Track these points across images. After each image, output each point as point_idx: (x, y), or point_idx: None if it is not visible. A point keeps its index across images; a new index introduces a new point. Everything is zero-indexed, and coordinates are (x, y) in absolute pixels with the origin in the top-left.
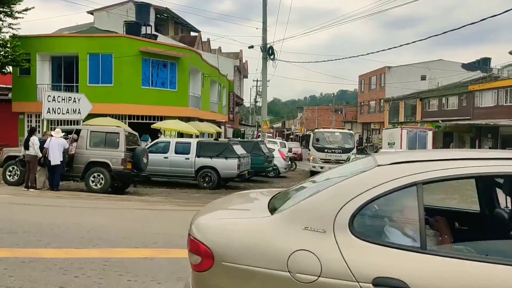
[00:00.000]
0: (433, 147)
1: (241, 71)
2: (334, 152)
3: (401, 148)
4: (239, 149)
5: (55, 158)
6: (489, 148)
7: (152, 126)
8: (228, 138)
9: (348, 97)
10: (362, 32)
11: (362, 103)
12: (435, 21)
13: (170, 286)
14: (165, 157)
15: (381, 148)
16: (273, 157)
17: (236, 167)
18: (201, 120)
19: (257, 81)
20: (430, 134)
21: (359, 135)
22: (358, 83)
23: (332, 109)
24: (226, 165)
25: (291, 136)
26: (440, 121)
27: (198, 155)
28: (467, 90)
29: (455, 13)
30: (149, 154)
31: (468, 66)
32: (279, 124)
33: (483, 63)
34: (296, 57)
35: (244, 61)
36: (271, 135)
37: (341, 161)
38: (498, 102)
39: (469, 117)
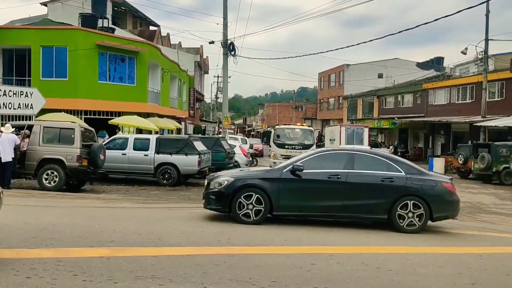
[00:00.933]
0: (368, 143)
1: (202, 66)
2: (295, 149)
3: (340, 144)
4: (199, 146)
5: (6, 154)
6: (442, 144)
7: (110, 122)
8: (188, 134)
9: (308, 94)
10: (322, 30)
11: (321, 100)
12: (391, 21)
13: (127, 285)
14: (123, 154)
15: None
16: (234, 153)
17: (197, 164)
18: (160, 116)
19: (218, 77)
20: (366, 131)
21: (319, 132)
22: (318, 80)
23: (292, 106)
24: (186, 162)
25: (252, 133)
26: (396, 118)
27: (157, 152)
28: (421, 88)
29: (410, 13)
30: (107, 151)
31: (423, 65)
32: (240, 121)
33: (437, 62)
34: (257, 53)
35: (205, 56)
36: (232, 131)
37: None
38: (450, 100)
39: (423, 114)
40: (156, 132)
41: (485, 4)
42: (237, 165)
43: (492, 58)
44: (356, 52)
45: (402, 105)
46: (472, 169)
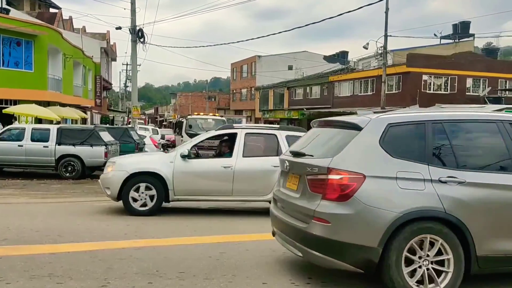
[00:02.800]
0: None
1: (109, 53)
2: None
3: None
4: (106, 136)
5: None
6: None
7: (4, 111)
8: (94, 124)
9: (222, 84)
10: (235, 21)
11: (234, 91)
12: (300, 15)
13: (21, 286)
14: (19, 145)
15: None
16: (144, 144)
17: (103, 155)
18: (63, 105)
19: (127, 64)
20: (244, 121)
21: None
22: (231, 71)
23: (205, 96)
24: (92, 153)
25: (164, 123)
26: (304, 109)
27: (58, 143)
28: (328, 81)
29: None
30: (0, 142)
31: (329, 58)
32: (151, 111)
33: (342, 56)
34: (169, 42)
35: (112, 43)
36: (142, 121)
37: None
38: (354, 92)
39: (329, 106)
40: (58, 122)
41: (385, 1)
42: None
43: (391, 53)
44: (268, 44)
45: (311, 96)
46: None
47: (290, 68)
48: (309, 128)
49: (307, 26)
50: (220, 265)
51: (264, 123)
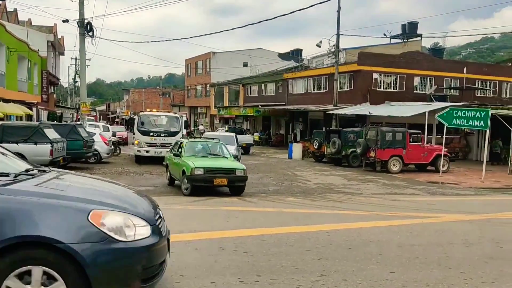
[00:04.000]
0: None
1: (56, 47)
2: (160, 136)
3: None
4: (51, 133)
5: None
6: (300, 130)
7: None
8: (40, 121)
9: (177, 80)
10: (190, 16)
11: (189, 87)
12: (257, 12)
13: None
14: None
15: (205, 131)
16: (94, 141)
17: (48, 153)
18: (6, 101)
19: (76, 59)
20: (184, 118)
21: (186, 119)
22: (185, 67)
23: (159, 92)
24: (36, 151)
25: (116, 120)
26: (259, 106)
27: (0, 141)
28: (282, 78)
29: (274, 5)
30: None
31: (284, 56)
32: (103, 107)
33: (296, 54)
34: (122, 36)
35: (59, 36)
36: (93, 118)
37: (167, 145)
38: (307, 90)
39: (284, 103)
40: (1, 119)
41: (337, 1)
42: (97, 154)
43: (343, 51)
44: (224, 41)
45: (266, 93)
46: (325, 153)
47: (245, 65)
48: (264, 124)
49: (262, 23)
50: (169, 265)
51: (219, 120)
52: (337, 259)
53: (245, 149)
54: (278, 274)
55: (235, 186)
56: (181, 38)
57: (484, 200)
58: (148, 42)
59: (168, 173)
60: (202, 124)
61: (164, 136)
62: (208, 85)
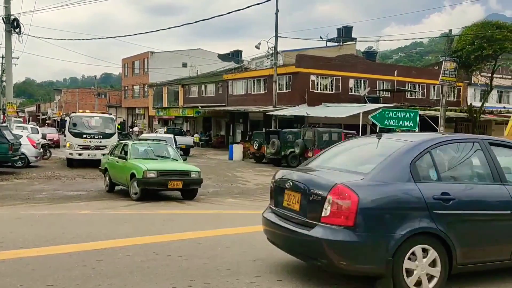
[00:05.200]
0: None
1: None
2: (94, 138)
3: None
4: None
5: None
6: (242, 131)
7: None
8: None
9: (113, 80)
10: (127, 15)
11: (126, 87)
12: (197, 11)
13: None
14: None
15: (143, 132)
16: (20, 144)
17: None
18: None
19: (2, 57)
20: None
21: (123, 120)
22: (122, 66)
23: (95, 93)
24: None
25: (48, 121)
26: (199, 107)
27: None
28: (222, 79)
29: (214, 5)
30: None
31: (223, 57)
32: (33, 108)
33: (236, 55)
34: (54, 34)
35: None
36: (21, 119)
37: (101, 147)
38: (247, 91)
39: (224, 104)
40: None
41: (275, 3)
42: (24, 158)
43: (282, 53)
44: (163, 40)
45: (206, 94)
46: (265, 153)
47: (184, 65)
48: (204, 126)
49: (202, 24)
50: (96, 273)
51: (158, 121)
52: (273, 260)
53: (185, 151)
54: (213, 277)
55: (190, 189)
56: (115, 37)
57: None
58: (80, 40)
59: (107, 178)
60: (137, 126)
61: (98, 138)
62: (146, 86)
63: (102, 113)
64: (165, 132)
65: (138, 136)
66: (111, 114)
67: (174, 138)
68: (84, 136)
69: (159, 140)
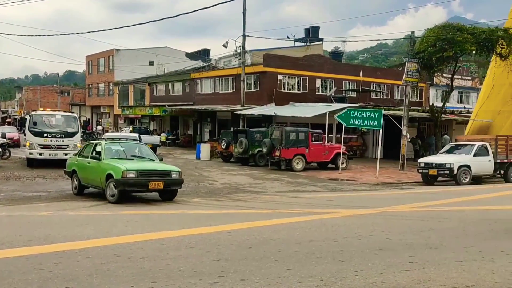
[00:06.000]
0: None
1: None
2: (56, 137)
3: None
4: None
5: None
6: (210, 130)
7: None
8: None
9: (77, 78)
10: (92, 11)
11: (90, 85)
12: (163, 9)
13: None
14: None
15: (108, 131)
16: None
17: None
18: None
19: None
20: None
21: (86, 119)
22: (86, 64)
23: (57, 90)
24: None
25: (8, 120)
26: (166, 106)
27: None
28: (190, 78)
29: (181, 3)
30: None
31: (191, 55)
32: None
33: (204, 54)
34: (13, 29)
35: None
36: None
37: (63, 147)
38: (215, 90)
39: (192, 103)
40: None
41: (242, 2)
42: None
43: (250, 53)
44: (129, 38)
45: (173, 93)
46: (233, 153)
47: (151, 63)
48: (171, 125)
49: (169, 22)
50: (53, 277)
51: (124, 120)
52: (237, 259)
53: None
54: (175, 278)
55: (170, 190)
56: (78, 33)
57: (377, 194)
58: (41, 36)
59: (75, 180)
60: (100, 124)
61: (60, 137)
62: (111, 84)
63: (64, 111)
64: (130, 131)
65: (101, 135)
66: (73, 112)
67: (140, 137)
68: (45, 135)
69: (133, 140)
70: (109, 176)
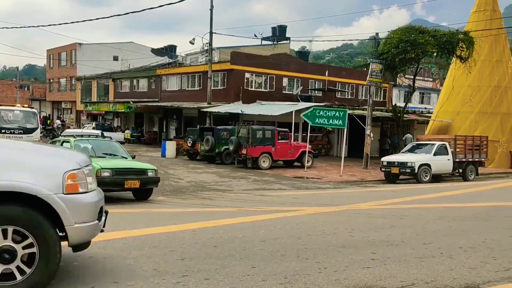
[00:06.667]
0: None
1: None
2: (14, 133)
3: None
4: None
5: None
6: (175, 128)
7: None
8: None
9: (37, 72)
10: (54, 4)
11: (51, 80)
12: (128, 3)
13: None
14: None
15: (70, 127)
16: None
17: None
18: None
19: None
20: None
21: (47, 114)
22: (47, 58)
23: (17, 85)
24: None
25: None
26: (131, 102)
27: None
28: (155, 74)
29: None
30: None
31: (157, 51)
32: None
33: (170, 50)
34: None
35: None
36: None
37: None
38: (182, 87)
39: (157, 99)
40: None
41: None
42: None
43: (217, 50)
44: (92, 32)
45: (138, 89)
46: (199, 151)
47: (115, 58)
48: (136, 121)
49: (135, 17)
50: None
51: (87, 116)
52: (201, 258)
53: None
54: (138, 278)
55: (146, 189)
56: (38, 26)
57: (341, 192)
58: None
59: None
60: (59, 118)
61: (18, 133)
62: (73, 79)
63: (23, 106)
64: (93, 128)
65: (60, 130)
66: (33, 107)
67: (102, 134)
68: (3, 131)
69: (96, 137)
70: None
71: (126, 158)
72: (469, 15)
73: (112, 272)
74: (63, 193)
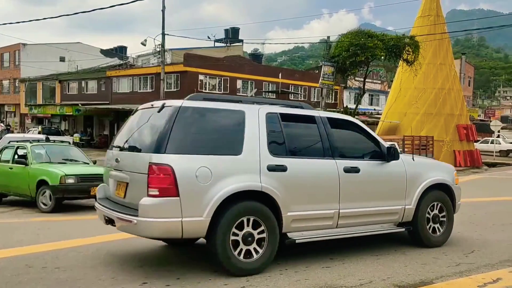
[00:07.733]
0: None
1: None
2: None
3: None
4: None
5: None
6: None
7: None
8: None
9: None
10: None
11: None
12: (73, 2)
13: None
14: None
15: (13, 131)
16: None
17: None
18: None
19: None
20: None
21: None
22: None
23: None
24: None
25: None
26: (80, 105)
27: None
28: (105, 76)
29: None
30: None
31: (107, 52)
32: None
33: (120, 51)
34: None
35: None
36: None
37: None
38: (133, 89)
39: (108, 102)
40: None
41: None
42: None
43: (170, 52)
44: (37, 32)
45: (87, 91)
46: None
47: (62, 59)
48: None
49: (83, 17)
50: None
51: (32, 119)
52: (161, 264)
53: None
54: None
55: None
56: None
57: None
58: None
59: None
60: (2, 122)
61: None
62: (17, 80)
63: None
64: (39, 132)
65: (3, 135)
66: None
67: (47, 138)
68: None
69: (62, 142)
70: (42, 183)
71: (88, 163)
72: (414, 20)
73: (67, 282)
74: None
